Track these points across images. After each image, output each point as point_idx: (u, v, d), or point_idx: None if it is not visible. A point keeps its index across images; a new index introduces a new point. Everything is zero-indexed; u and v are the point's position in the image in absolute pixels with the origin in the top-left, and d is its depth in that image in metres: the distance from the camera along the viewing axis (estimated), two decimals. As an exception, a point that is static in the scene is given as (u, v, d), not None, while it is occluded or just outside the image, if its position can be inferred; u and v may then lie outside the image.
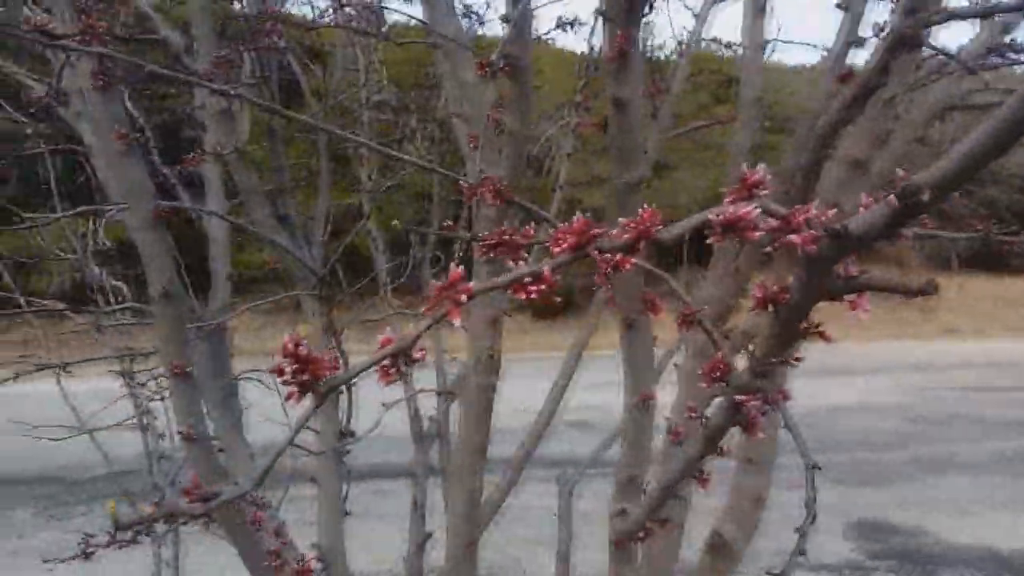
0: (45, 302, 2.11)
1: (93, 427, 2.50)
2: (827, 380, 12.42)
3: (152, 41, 1.93)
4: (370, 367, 0.54)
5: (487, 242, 0.79)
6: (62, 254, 2.94)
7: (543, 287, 0.58)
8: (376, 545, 5.53)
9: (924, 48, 1.32)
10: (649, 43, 2.79)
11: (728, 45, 2.59)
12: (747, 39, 2.08)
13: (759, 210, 0.61)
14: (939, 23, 1.06)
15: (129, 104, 2.81)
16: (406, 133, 2.77)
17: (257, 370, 2.25)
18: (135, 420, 2.54)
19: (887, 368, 13.74)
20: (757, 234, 0.62)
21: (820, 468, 0.80)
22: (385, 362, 0.54)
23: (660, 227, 0.60)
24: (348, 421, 2.00)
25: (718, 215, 0.61)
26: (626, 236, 0.59)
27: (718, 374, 0.85)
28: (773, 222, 0.64)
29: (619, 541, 1.28)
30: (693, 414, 0.93)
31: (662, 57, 3.31)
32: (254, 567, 1.45)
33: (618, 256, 0.60)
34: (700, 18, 2.59)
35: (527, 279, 0.57)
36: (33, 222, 1.91)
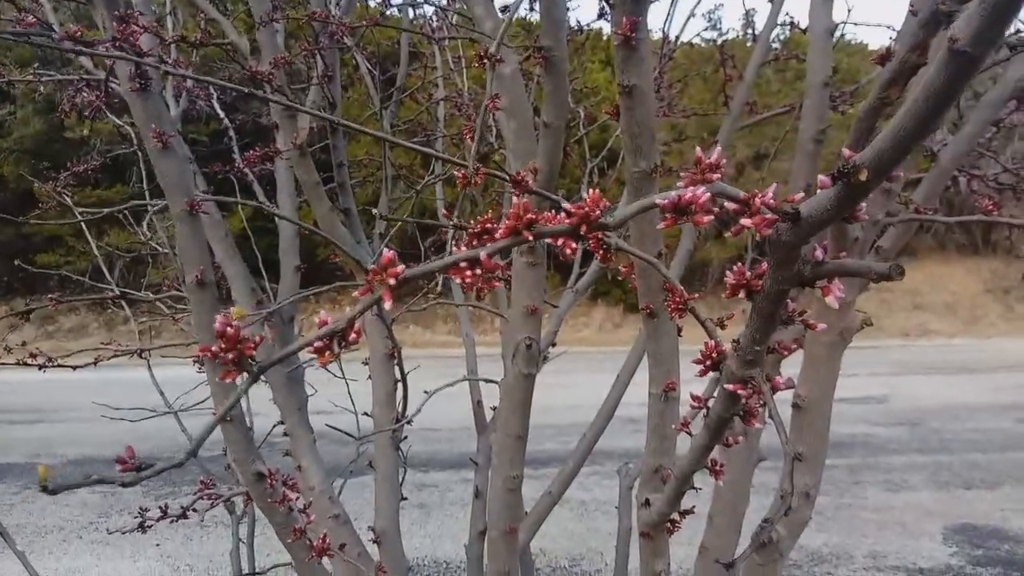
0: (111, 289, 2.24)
1: (176, 411, 2.65)
2: (938, 378, 11.80)
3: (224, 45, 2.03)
4: (303, 348, 0.56)
5: (473, 231, 0.80)
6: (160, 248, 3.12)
7: (480, 272, 0.58)
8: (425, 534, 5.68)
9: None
10: (716, 26, 2.72)
11: (797, 26, 2.48)
12: (813, 21, 2.01)
13: (709, 194, 0.60)
14: None
15: (216, 104, 2.97)
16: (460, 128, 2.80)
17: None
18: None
19: (1006, 366, 12.91)
20: (707, 219, 0.60)
21: (801, 459, 0.76)
22: (319, 343, 0.56)
23: (603, 211, 0.60)
24: (404, 409, 2.04)
25: (666, 199, 0.60)
26: (568, 220, 0.59)
27: (710, 362, 0.84)
28: (732, 206, 0.62)
29: (645, 532, 1.27)
30: (696, 404, 0.91)
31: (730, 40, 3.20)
32: (287, 543, 1.52)
33: (561, 240, 0.60)
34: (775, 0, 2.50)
35: (463, 263, 0.58)
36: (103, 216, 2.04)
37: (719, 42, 2.68)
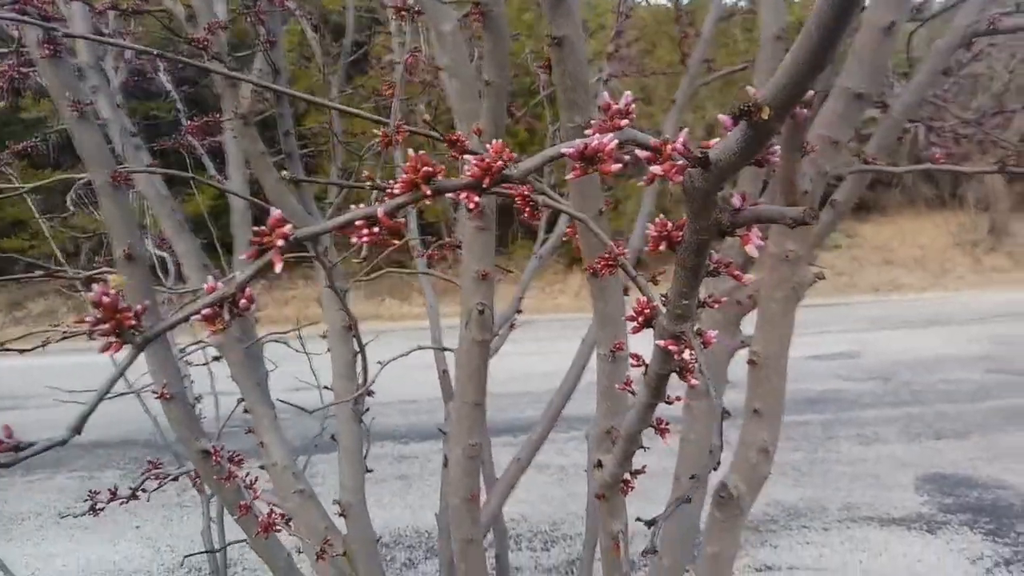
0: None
1: (138, 391, 2.61)
2: (909, 331, 11.96)
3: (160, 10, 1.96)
4: (191, 316, 0.53)
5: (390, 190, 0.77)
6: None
7: (377, 230, 0.55)
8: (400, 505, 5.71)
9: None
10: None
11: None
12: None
13: (616, 141, 0.57)
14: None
15: (165, 78, 2.89)
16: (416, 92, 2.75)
17: (281, 332, 2.30)
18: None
19: (976, 318, 13.11)
20: (615, 167, 0.58)
21: (730, 415, 0.75)
22: (207, 311, 0.53)
23: (507, 162, 0.57)
24: (365, 381, 2.02)
25: (571, 147, 0.57)
26: (470, 172, 0.57)
27: (642, 319, 0.82)
28: (644, 153, 0.60)
29: (600, 495, 1.26)
30: (635, 362, 0.89)
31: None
32: (237, 519, 1.50)
33: (463, 195, 0.57)
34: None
35: (359, 221, 0.55)
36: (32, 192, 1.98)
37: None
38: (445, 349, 1.71)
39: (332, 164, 2.15)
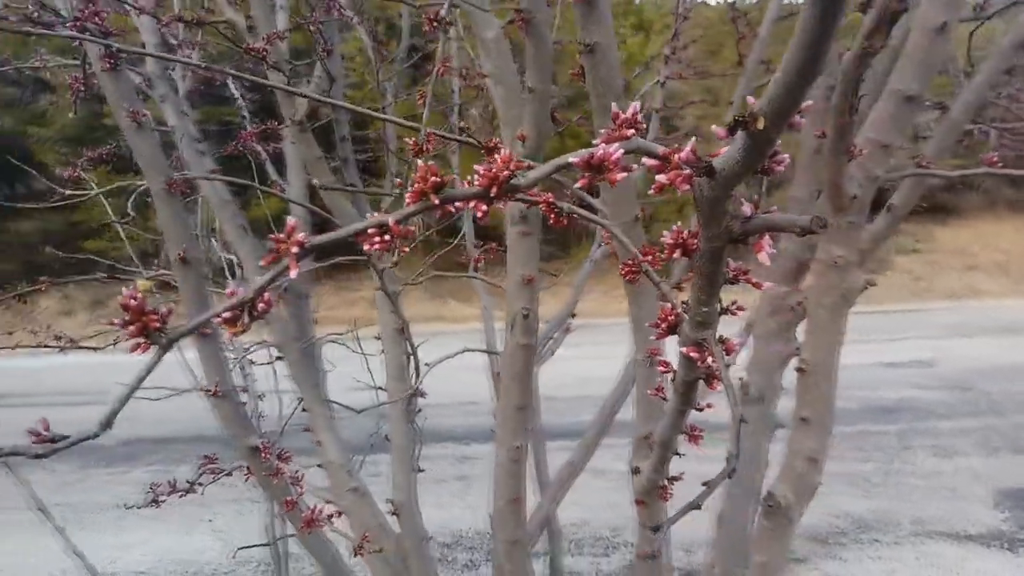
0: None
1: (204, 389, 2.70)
2: (988, 339, 11.46)
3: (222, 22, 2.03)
4: (210, 318, 0.56)
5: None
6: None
7: (388, 238, 0.58)
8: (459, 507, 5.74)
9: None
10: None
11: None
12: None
13: (622, 151, 0.58)
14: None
15: (233, 85, 3.00)
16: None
17: (338, 334, 2.36)
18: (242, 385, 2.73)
19: (1063, 326, 12.48)
20: (620, 176, 0.59)
21: (747, 422, 0.74)
22: (227, 314, 0.56)
23: (516, 172, 0.58)
24: (417, 383, 2.06)
25: (578, 157, 0.58)
26: (478, 182, 0.58)
27: (666, 325, 0.82)
28: (652, 162, 0.61)
29: (639, 500, 1.26)
30: (664, 368, 0.90)
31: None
32: (285, 514, 1.55)
33: (472, 203, 0.59)
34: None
35: (372, 229, 0.58)
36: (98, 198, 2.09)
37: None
38: (492, 352, 1.73)
39: (387, 169, 2.20)
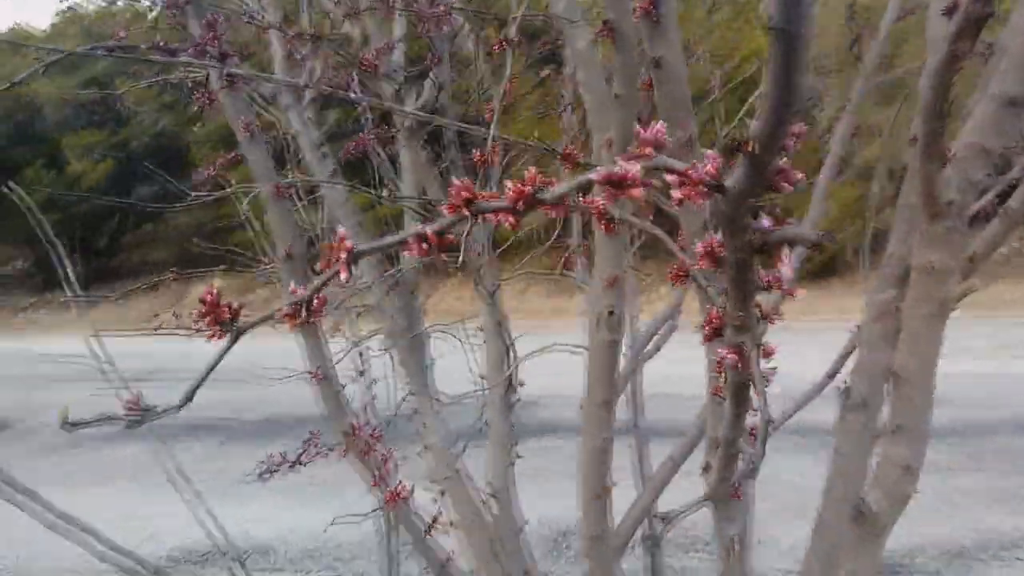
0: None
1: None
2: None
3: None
4: (274, 315, 0.65)
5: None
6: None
7: (428, 247, 0.65)
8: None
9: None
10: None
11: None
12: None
13: (640, 167, 0.63)
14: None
15: (357, 90, 3.17)
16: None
17: (443, 324, 2.47)
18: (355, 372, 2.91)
19: None
20: (639, 192, 0.63)
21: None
22: (287, 311, 0.65)
23: (541, 188, 0.64)
24: (515, 373, 2.14)
25: (598, 174, 0.64)
26: (506, 197, 0.65)
27: (711, 328, 0.85)
28: (673, 178, 0.65)
29: (711, 497, 1.28)
30: (717, 371, 0.93)
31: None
32: (370, 489, 1.66)
33: (499, 215, 0.65)
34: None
35: (411, 239, 0.65)
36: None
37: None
38: (578, 348, 1.78)
39: (492, 174, 2.29)
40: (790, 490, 5.92)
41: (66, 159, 20.93)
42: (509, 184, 0.65)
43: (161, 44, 1.06)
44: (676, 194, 0.63)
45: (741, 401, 0.94)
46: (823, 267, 16.23)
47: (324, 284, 0.65)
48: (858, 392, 2.00)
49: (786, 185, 0.60)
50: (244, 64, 2.35)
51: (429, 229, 0.65)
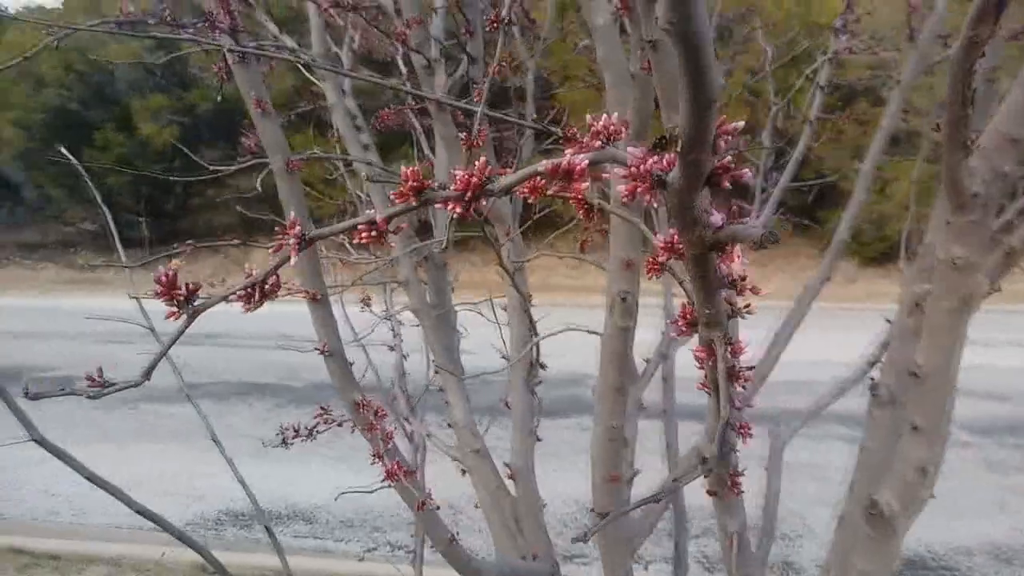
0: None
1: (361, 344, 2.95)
2: None
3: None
4: (228, 296, 0.66)
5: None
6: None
7: (375, 233, 0.65)
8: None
9: None
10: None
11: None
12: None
13: (587, 161, 0.62)
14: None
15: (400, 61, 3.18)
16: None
17: (473, 302, 2.48)
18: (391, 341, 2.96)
19: None
20: (585, 185, 0.62)
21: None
22: (241, 292, 0.66)
23: (491, 178, 0.64)
24: (537, 354, 2.14)
25: (545, 166, 0.63)
26: (455, 188, 0.64)
27: (684, 322, 0.84)
28: (622, 170, 0.63)
29: (711, 491, 1.27)
30: (700, 364, 0.91)
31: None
32: (372, 464, 1.69)
33: (449, 204, 0.65)
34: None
35: (362, 226, 0.65)
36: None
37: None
38: (592, 332, 1.76)
39: (518, 152, 2.28)
40: (837, 480, 5.82)
41: (135, 122, 21.51)
42: (458, 174, 0.65)
43: (168, 18, 1.08)
44: (621, 188, 0.62)
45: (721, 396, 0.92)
46: (885, 252, 15.72)
47: (277, 268, 0.66)
48: (886, 387, 1.95)
49: (730, 182, 0.58)
50: (283, 35, 2.38)
51: (379, 216, 0.65)
